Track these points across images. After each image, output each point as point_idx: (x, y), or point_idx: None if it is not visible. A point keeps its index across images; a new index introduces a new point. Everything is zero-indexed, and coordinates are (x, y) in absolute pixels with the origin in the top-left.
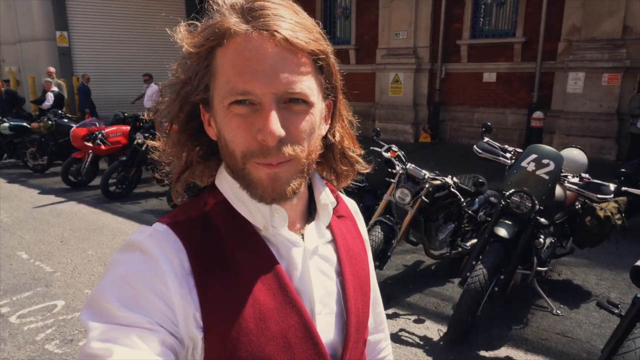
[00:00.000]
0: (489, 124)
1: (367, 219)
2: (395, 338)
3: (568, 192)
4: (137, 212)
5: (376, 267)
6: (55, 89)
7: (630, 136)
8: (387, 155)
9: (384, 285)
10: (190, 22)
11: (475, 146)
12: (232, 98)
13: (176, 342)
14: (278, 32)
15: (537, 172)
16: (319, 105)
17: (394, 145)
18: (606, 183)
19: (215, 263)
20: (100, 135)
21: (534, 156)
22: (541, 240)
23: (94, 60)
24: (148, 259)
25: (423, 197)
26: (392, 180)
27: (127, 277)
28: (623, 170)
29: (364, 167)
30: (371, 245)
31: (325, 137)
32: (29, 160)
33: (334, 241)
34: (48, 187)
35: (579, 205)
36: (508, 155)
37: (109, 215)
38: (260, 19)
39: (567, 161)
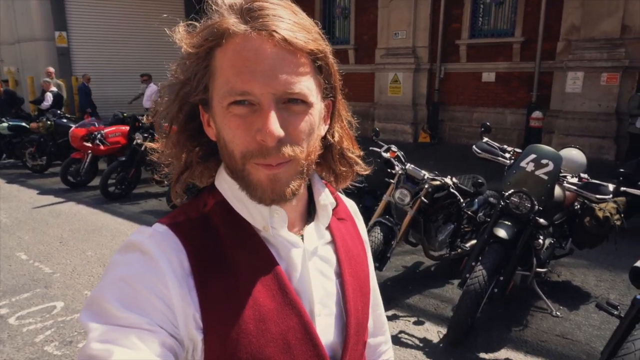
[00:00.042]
0: (488, 124)
1: (366, 220)
2: (395, 340)
3: (567, 193)
4: (137, 213)
5: (375, 268)
6: (54, 89)
7: (629, 136)
8: (387, 155)
9: (383, 287)
10: (189, 22)
11: (474, 146)
12: (231, 98)
13: (176, 343)
14: (277, 32)
15: (536, 173)
16: (318, 106)
17: (393, 146)
18: (605, 183)
19: (215, 264)
20: (99, 136)
21: (533, 156)
22: (540, 241)
23: (93, 61)
24: (148, 260)
25: (422, 198)
26: (392, 181)
27: (127, 278)
28: (622, 170)
29: (363, 169)
30: (370, 247)
31: (324, 138)
32: (28, 161)
33: (333, 242)
34: (47, 188)
35: (578, 206)
36: (507, 155)
37: (108, 215)
38: (259, 19)
39: (566, 161)
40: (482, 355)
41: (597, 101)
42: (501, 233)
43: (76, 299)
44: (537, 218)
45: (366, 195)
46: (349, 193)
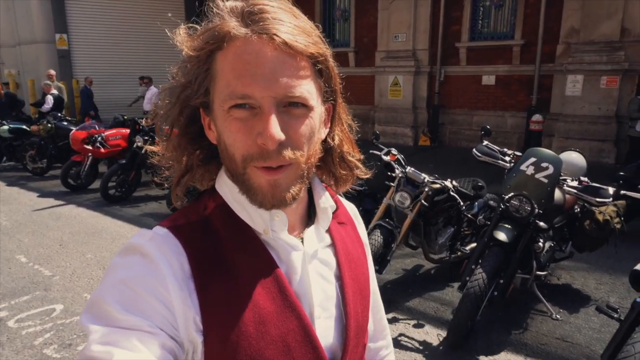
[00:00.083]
0: (488, 127)
1: (366, 223)
2: (395, 343)
3: (567, 196)
4: (137, 216)
5: (375, 271)
6: (54, 91)
7: (629, 139)
8: (387, 158)
9: (383, 290)
10: (190, 25)
11: (474, 149)
12: (231, 102)
13: (176, 345)
14: (277, 36)
15: (536, 176)
16: (319, 109)
17: (393, 149)
18: (605, 186)
19: (215, 267)
20: (99, 138)
21: (533, 160)
22: (540, 244)
23: (94, 63)
24: (148, 263)
25: (422, 201)
26: (392, 184)
27: (128, 281)
28: (622, 173)
29: (364, 172)
30: (370, 250)
31: (324, 141)
32: (28, 163)
33: (333, 245)
34: (47, 190)
35: (578, 209)
36: (507, 158)
37: (108, 218)
38: (260, 23)
39: (566, 164)
40: (482, 358)
41: (597, 104)
42: (501, 236)
43: (76, 301)
44: (537, 221)
45: (366, 198)
46: (348, 196)
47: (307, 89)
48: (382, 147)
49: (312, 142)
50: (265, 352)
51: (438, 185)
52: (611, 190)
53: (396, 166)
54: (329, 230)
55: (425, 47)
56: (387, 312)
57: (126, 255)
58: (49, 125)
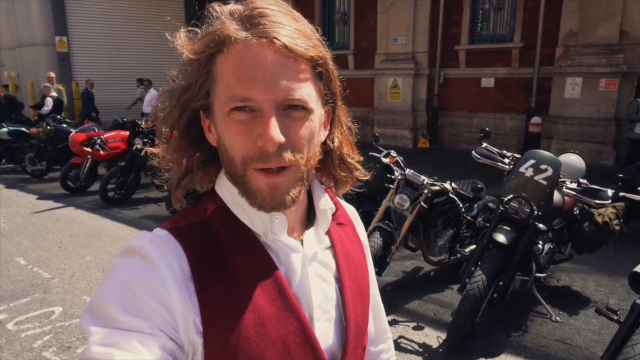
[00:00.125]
0: (487, 129)
1: (365, 225)
2: (395, 345)
3: (566, 198)
4: (136, 218)
5: (375, 273)
6: (54, 94)
7: (628, 141)
8: (386, 160)
9: (382, 292)
10: (190, 28)
11: (473, 152)
12: (232, 104)
13: (176, 347)
14: (277, 39)
15: (536, 178)
16: (318, 112)
17: (392, 151)
18: (604, 188)
19: (215, 268)
20: (99, 141)
21: (532, 162)
22: (540, 246)
23: (93, 66)
24: (149, 264)
25: (422, 203)
26: (391, 186)
27: (128, 282)
28: (621, 175)
29: (363, 174)
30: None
31: (324, 143)
32: (27, 166)
33: (332, 247)
34: (46, 193)
35: (577, 211)
36: (506, 160)
37: (108, 221)
38: (260, 26)
39: (565, 167)
40: None
41: (596, 107)
42: (500, 238)
43: (75, 304)
44: (536, 223)
45: (365, 200)
46: (348, 198)
47: (307, 91)
48: (381, 149)
49: (312, 144)
50: (265, 354)
51: (437, 188)
52: (610, 192)
53: (395, 168)
54: (328, 232)
55: (425, 49)
56: (386, 314)
57: (126, 257)
58: (49, 127)
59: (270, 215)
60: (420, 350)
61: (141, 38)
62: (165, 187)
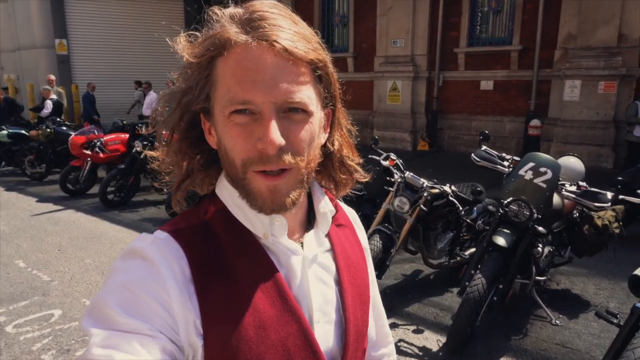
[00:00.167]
0: (486, 132)
1: (365, 228)
2: (395, 348)
3: (566, 201)
4: (135, 221)
5: (375, 276)
6: (53, 96)
7: (627, 144)
8: (386, 163)
9: (382, 295)
10: (190, 32)
11: (473, 154)
12: (232, 107)
13: (176, 349)
14: (277, 42)
15: (535, 181)
16: (318, 115)
17: (392, 154)
18: (603, 191)
19: (215, 271)
20: (98, 143)
21: (531, 164)
22: (539, 249)
23: (93, 68)
24: (149, 266)
25: (421, 206)
26: (391, 189)
27: (129, 284)
28: (620, 178)
29: (363, 176)
30: None
31: (324, 146)
32: (27, 168)
33: (332, 250)
34: (46, 195)
35: (577, 214)
36: (506, 163)
37: (107, 223)
38: (260, 29)
39: (564, 169)
40: None
41: (595, 109)
42: (500, 241)
43: (74, 307)
44: (535, 226)
45: (365, 203)
46: (348, 201)
47: (307, 94)
48: (381, 152)
49: (312, 147)
50: (265, 356)
51: (437, 190)
52: (609, 195)
53: (395, 171)
54: (328, 235)
55: (424, 52)
56: (386, 317)
57: (127, 259)
58: (48, 130)
59: (270, 217)
60: (420, 353)
61: (141, 40)
62: (165, 190)
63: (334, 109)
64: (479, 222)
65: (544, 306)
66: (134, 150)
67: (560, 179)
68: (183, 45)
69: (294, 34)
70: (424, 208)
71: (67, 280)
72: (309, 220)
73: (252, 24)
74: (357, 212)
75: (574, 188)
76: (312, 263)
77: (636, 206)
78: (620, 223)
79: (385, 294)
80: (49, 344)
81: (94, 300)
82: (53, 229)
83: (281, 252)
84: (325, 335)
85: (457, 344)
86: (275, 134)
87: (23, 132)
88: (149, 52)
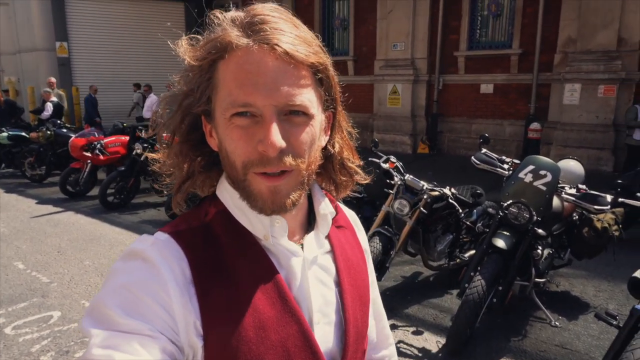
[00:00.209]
0: (486, 135)
1: (365, 230)
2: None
3: (565, 204)
4: (135, 223)
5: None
6: (54, 99)
7: (626, 147)
8: (386, 166)
9: (382, 297)
10: (192, 35)
11: (473, 157)
12: (233, 110)
13: (176, 349)
14: (278, 46)
15: (535, 184)
16: (319, 117)
17: (392, 157)
18: (603, 194)
19: (215, 272)
20: (98, 146)
21: (531, 167)
22: (539, 251)
23: (94, 71)
24: (150, 267)
25: (421, 208)
26: (391, 192)
27: (129, 285)
28: (620, 181)
29: (363, 178)
30: None
31: (324, 148)
32: (27, 170)
33: (332, 251)
34: (46, 197)
35: (577, 217)
36: (505, 166)
37: (107, 225)
38: (261, 33)
39: (564, 172)
40: None
41: (595, 113)
42: (500, 243)
43: (73, 308)
44: (535, 228)
45: (365, 205)
46: (348, 203)
47: (307, 97)
48: (381, 154)
49: (312, 149)
50: (265, 357)
51: (437, 193)
52: (609, 197)
53: (395, 174)
54: (328, 237)
55: (424, 55)
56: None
57: (128, 260)
58: (48, 132)
59: (270, 219)
60: (420, 355)
61: (141, 43)
62: (165, 192)
63: (335, 111)
64: (479, 224)
65: (544, 308)
66: (134, 153)
67: (560, 181)
68: (185, 48)
69: (295, 38)
70: (424, 210)
71: (67, 282)
72: (309, 221)
73: (253, 28)
74: (357, 214)
75: (573, 191)
76: (312, 264)
77: (636, 209)
78: (620, 226)
79: (385, 295)
80: (48, 346)
81: (93, 301)
82: (53, 230)
83: (281, 253)
84: (325, 336)
85: (457, 345)
86: (276, 136)
87: (23, 134)
88: (150, 54)
